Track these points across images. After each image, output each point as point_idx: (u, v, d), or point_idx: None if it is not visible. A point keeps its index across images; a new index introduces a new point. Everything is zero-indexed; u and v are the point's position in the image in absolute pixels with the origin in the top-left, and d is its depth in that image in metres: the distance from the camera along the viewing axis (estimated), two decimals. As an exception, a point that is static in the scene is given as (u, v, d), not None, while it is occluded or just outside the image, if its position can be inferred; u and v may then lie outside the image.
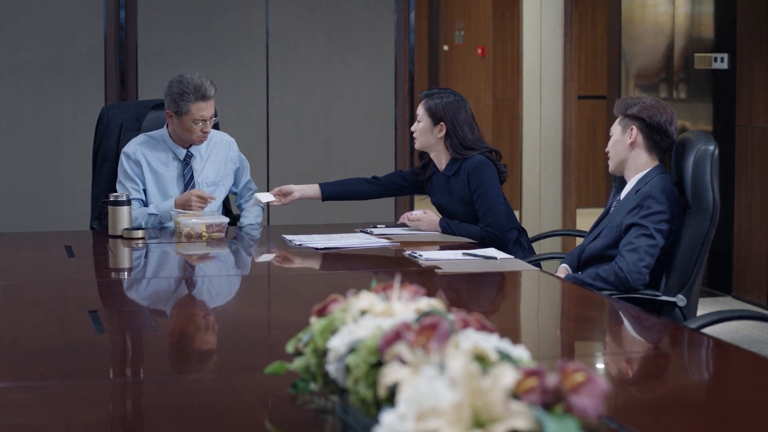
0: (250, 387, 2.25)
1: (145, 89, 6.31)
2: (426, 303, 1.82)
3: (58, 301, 3.22)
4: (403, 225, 4.46)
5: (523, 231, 4.46)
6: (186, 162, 4.52)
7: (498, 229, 4.29)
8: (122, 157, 4.52)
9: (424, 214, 4.41)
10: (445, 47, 11.99)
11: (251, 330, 2.89)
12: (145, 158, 4.50)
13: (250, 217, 4.65)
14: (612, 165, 3.91)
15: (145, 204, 4.51)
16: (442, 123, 4.34)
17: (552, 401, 1.48)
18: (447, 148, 4.37)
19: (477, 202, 4.32)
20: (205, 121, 4.41)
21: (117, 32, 6.33)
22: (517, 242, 4.35)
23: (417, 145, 4.45)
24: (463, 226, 4.33)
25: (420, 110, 4.41)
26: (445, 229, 4.35)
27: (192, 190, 4.40)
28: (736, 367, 2.54)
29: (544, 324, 3.15)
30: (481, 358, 1.56)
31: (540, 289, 3.53)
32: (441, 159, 4.42)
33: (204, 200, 4.35)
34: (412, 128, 4.45)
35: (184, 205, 4.36)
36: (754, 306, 6.60)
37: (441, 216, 4.42)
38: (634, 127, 3.82)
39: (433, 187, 4.49)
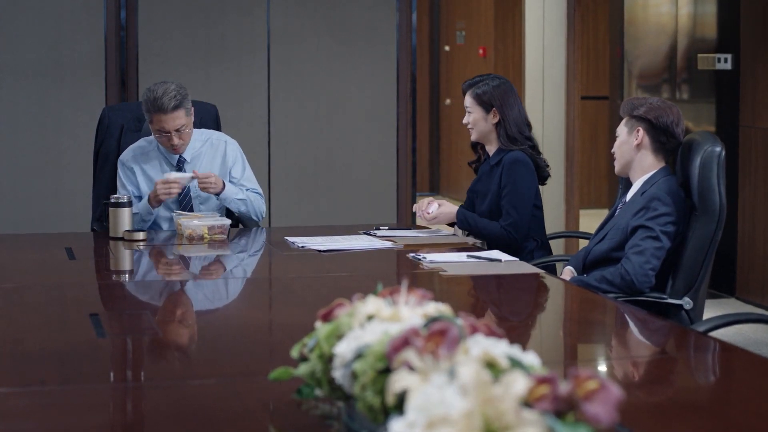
0: (253, 392, 2.23)
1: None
2: (434, 308, 1.79)
3: (59, 304, 3.19)
4: (413, 227, 4.45)
5: (543, 247, 4.37)
6: (179, 167, 4.48)
7: (518, 231, 4.24)
8: (118, 165, 4.53)
9: (440, 207, 4.36)
10: (446, 48, 11.97)
11: (254, 333, 2.86)
12: (140, 167, 4.48)
13: (240, 193, 4.49)
14: (618, 166, 3.89)
15: None
16: (494, 108, 4.33)
17: (564, 409, 1.45)
18: (498, 136, 4.35)
19: (504, 198, 4.27)
20: (168, 133, 4.33)
21: (117, 32, 6.31)
22: (530, 254, 4.27)
23: (474, 137, 4.42)
24: (481, 221, 4.28)
25: (468, 101, 4.37)
26: (462, 221, 4.30)
27: (156, 182, 4.35)
28: (742, 371, 2.52)
29: (549, 327, 3.13)
30: (491, 365, 1.53)
31: (545, 291, 3.50)
32: (492, 147, 4.41)
33: (168, 184, 4.29)
34: (464, 121, 4.41)
35: (156, 198, 4.34)
36: (757, 307, 6.58)
37: (459, 207, 4.37)
38: (640, 128, 3.79)
39: (480, 172, 4.49)
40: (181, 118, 4.33)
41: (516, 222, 4.24)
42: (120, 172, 4.50)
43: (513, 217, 4.24)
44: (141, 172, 4.48)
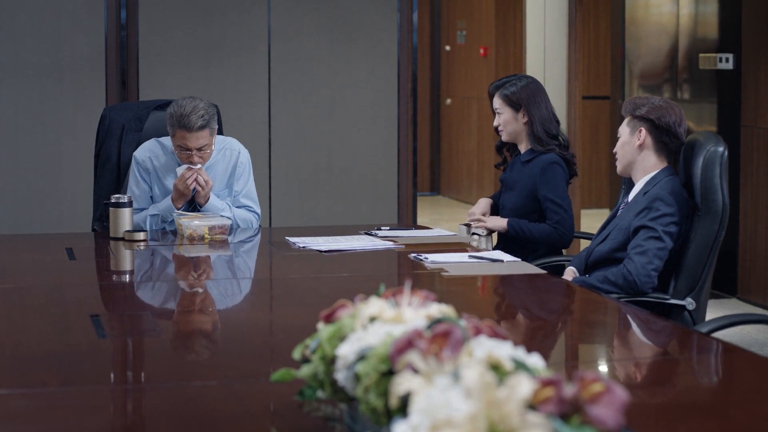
0: (254, 393, 2.21)
1: (146, 89, 6.28)
2: (437, 309, 1.77)
3: (59, 305, 3.18)
4: (414, 226, 4.46)
5: (554, 250, 4.44)
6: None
7: (567, 227, 4.35)
8: (133, 162, 4.48)
9: (490, 217, 4.49)
10: (447, 47, 11.95)
11: (255, 335, 2.85)
12: (154, 168, 4.45)
13: (227, 211, 4.43)
14: (620, 166, 3.87)
15: None
16: (522, 108, 4.40)
17: (569, 412, 1.44)
18: (527, 135, 4.44)
19: (546, 200, 4.36)
20: (188, 151, 4.28)
21: (118, 32, 6.30)
22: (540, 256, 4.34)
23: (505, 138, 4.51)
24: (533, 226, 4.37)
25: (497, 102, 4.47)
26: (513, 229, 4.39)
27: (175, 182, 4.32)
28: (746, 372, 2.50)
29: (551, 328, 3.11)
30: (495, 367, 1.52)
31: (547, 292, 3.49)
32: (523, 146, 4.49)
33: (184, 181, 4.26)
34: (495, 123, 4.51)
35: (180, 197, 4.31)
36: (758, 308, 6.57)
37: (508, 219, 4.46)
38: (642, 128, 3.78)
39: (510, 165, 4.56)
40: (205, 138, 4.28)
41: (563, 218, 4.36)
42: (134, 168, 4.46)
43: (559, 214, 4.36)
44: (156, 177, 4.45)
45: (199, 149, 4.29)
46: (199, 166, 4.31)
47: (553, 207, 4.35)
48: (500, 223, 4.44)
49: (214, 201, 4.39)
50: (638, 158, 3.81)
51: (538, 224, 4.38)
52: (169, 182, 4.43)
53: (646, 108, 3.78)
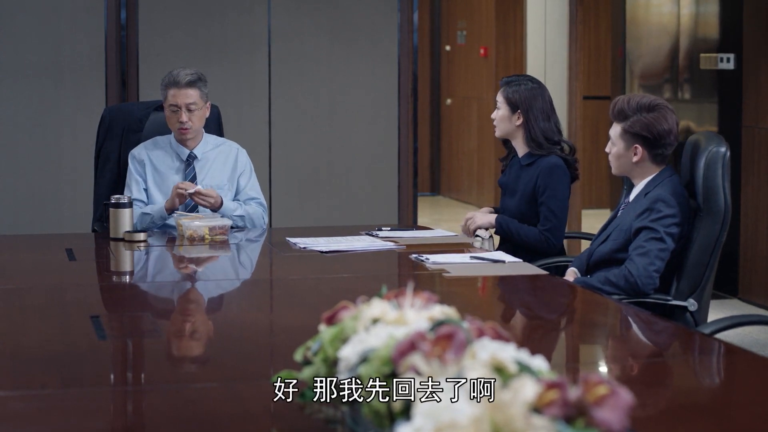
0: (255, 395, 2.20)
1: (146, 90, 6.27)
2: (439, 311, 1.76)
3: (59, 306, 3.17)
4: (414, 227, 4.45)
5: (559, 252, 4.40)
6: (188, 162, 4.48)
7: (557, 236, 4.30)
8: (129, 158, 4.55)
9: (477, 213, 4.47)
10: (447, 47, 11.95)
11: (255, 336, 2.84)
12: (149, 158, 4.50)
13: (239, 209, 4.49)
14: (616, 171, 3.84)
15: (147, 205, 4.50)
16: (519, 111, 4.38)
17: (574, 415, 1.43)
18: (523, 138, 4.40)
19: (542, 204, 4.32)
20: (179, 108, 4.38)
21: (118, 32, 6.29)
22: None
23: (497, 133, 4.49)
24: (522, 228, 4.33)
25: (499, 97, 4.45)
26: (500, 226, 4.37)
27: (173, 188, 4.36)
28: (748, 373, 2.49)
29: (552, 329, 3.10)
30: (499, 370, 1.51)
31: (548, 293, 3.48)
32: (519, 146, 4.45)
33: (182, 192, 4.30)
34: (492, 116, 4.50)
35: (173, 206, 4.34)
36: (759, 308, 6.56)
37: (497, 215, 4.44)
38: (638, 146, 3.73)
39: (508, 168, 4.53)
40: (194, 96, 4.42)
41: (554, 227, 4.30)
42: (130, 165, 4.53)
43: (552, 222, 4.30)
44: (150, 163, 4.50)
45: (189, 109, 4.40)
46: (198, 186, 4.32)
47: (548, 214, 4.30)
48: (489, 218, 4.41)
49: (227, 204, 4.43)
50: (636, 168, 3.78)
51: (527, 227, 4.32)
52: (164, 170, 4.48)
53: (635, 119, 3.72)
